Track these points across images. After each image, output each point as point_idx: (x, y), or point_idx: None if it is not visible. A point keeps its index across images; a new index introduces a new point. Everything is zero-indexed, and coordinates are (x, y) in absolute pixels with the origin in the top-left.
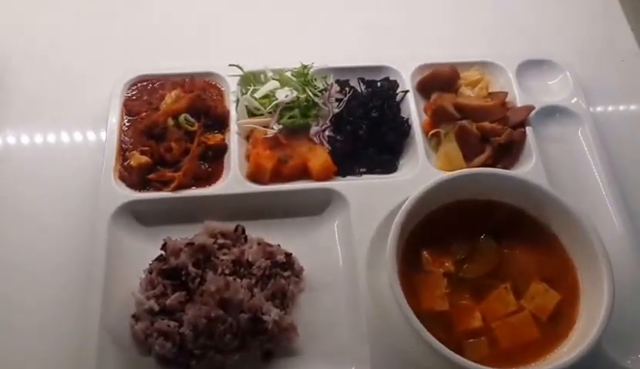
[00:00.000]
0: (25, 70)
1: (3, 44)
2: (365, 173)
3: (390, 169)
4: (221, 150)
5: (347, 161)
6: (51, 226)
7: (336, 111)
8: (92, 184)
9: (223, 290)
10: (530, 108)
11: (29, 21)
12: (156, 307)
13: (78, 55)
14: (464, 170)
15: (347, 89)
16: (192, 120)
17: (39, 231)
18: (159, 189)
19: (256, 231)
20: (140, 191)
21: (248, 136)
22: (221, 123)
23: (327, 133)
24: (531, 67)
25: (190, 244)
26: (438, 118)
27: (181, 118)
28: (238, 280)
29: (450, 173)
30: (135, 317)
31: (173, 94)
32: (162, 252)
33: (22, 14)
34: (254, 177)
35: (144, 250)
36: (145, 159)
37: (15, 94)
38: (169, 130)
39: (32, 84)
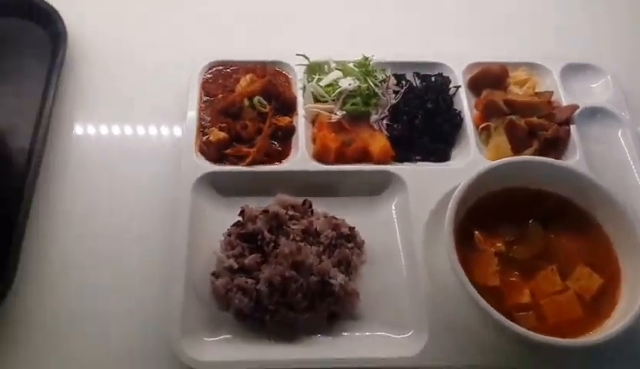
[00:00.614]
0: (112, 58)
1: (92, 37)
2: (419, 160)
3: (443, 158)
4: (290, 131)
5: (403, 149)
6: (142, 194)
7: (394, 101)
8: (176, 157)
9: (295, 253)
10: (575, 107)
11: (115, 15)
12: (235, 265)
13: (157, 43)
14: (517, 157)
15: (403, 82)
16: (265, 102)
17: (133, 197)
18: (235, 163)
19: (321, 207)
20: (218, 164)
21: (313, 120)
22: (289, 107)
23: (385, 122)
24: (574, 70)
25: (265, 212)
26: (488, 113)
27: (256, 99)
28: (308, 246)
29: (503, 159)
30: (215, 275)
31: (248, 77)
32: (240, 218)
33: (111, 4)
34: (320, 156)
35: (222, 217)
36: (222, 135)
37: (104, 80)
38: (244, 110)
39: (120, 70)
